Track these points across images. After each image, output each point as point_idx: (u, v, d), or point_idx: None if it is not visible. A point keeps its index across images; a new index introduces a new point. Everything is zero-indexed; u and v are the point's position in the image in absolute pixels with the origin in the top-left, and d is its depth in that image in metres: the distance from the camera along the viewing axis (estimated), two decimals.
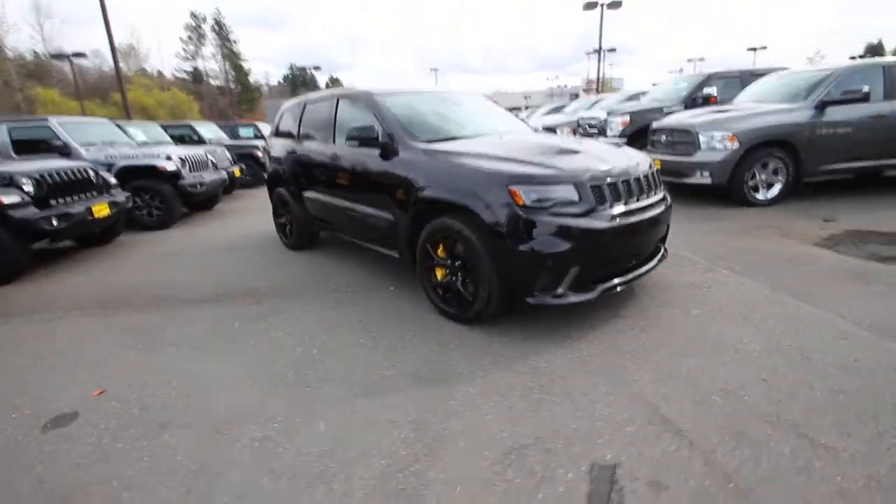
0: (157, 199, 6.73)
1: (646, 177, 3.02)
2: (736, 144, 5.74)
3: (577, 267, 2.64)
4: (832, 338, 2.62)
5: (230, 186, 8.94)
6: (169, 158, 6.76)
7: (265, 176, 5.65)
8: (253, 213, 8.01)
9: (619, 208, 2.75)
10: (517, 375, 2.41)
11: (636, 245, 2.93)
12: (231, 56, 57.52)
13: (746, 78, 8.48)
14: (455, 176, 2.88)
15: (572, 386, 2.29)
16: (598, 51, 21.55)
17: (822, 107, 5.78)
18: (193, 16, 55.29)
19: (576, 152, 2.98)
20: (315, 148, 4.38)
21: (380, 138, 3.39)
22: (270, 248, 5.34)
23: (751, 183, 5.91)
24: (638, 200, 2.89)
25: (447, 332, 2.96)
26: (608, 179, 2.74)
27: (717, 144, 5.84)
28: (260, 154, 11.08)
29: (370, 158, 3.59)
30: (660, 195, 3.15)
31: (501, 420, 2.07)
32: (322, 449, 1.96)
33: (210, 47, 56.81)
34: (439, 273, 3.16)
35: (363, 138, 3.41)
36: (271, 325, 3.23)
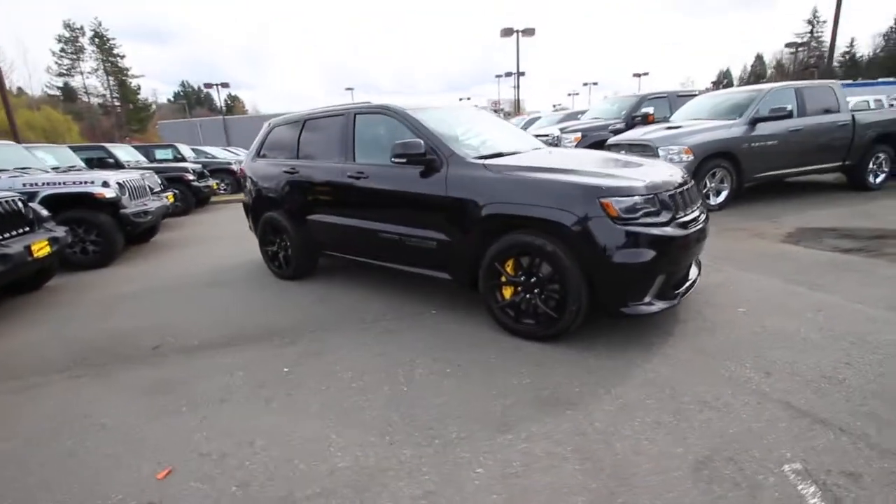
0: (94, 233, 5.72)
1: (689, 188, 3.23)
2: (691, 157, 6.40)
3: (663, 275, 2.72)
4: (866, 320, 2.99)
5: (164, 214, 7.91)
6: (106, 184, 5.81)
7: (247, 202, 5.07)
8: (207, 242, 7.17)
9: (684, 217, 2.89)
10: (639, 389, 2.40)
11: (695, 252, 3.10)
12: (116, 72, 51.64)
13: (673, 99, 9.56)
14: (535, 191, 2.82)
15: (697, 392, 2.33)
16: (517, 74, 22.93)
17: (754, 123, 6.68)
18: (68, 27, 48.87)
19: (639, 165, 3.10)
20: (325, 167, 4.04)
21: (427, 155, 3.23)
22: (260, 281, 4.79)
23: (704, 191, 6.62)
24: (691, 210, 3.07)
25: (531, 351, 2.86)
26: (673, 190, 2.88)
27: (675, 157, 6.45)
28: (191, 177, 9.99)
29: (408, 176, 3.41)
30: (699, 204, 3.38)
31: (664, 436, 2.03)
32: (502, 497, 1.76)
33: (90, 62, 50.57)
34: (507, 291, 3.07)
35: (410, 155, 3.22)
36: (329, 365, 2.88)
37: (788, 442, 1.94)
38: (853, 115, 7.20)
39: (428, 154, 3.23)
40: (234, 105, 68.45)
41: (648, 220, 2.66)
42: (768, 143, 6.74)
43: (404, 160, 3.27)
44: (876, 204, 6.58)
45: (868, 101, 12.17)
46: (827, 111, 7.09)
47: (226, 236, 7.55)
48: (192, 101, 67.38)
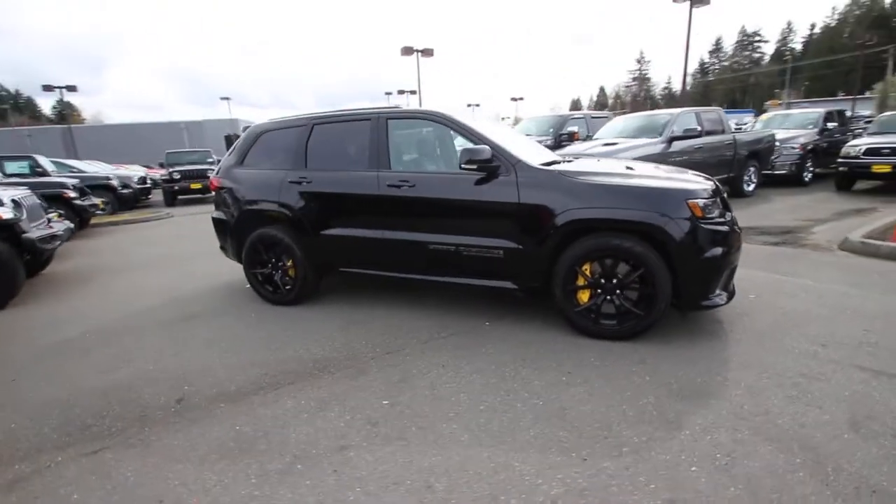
0: None
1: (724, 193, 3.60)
2: None
3: (729, 269, 3.03)
4: (845, 296, 3.68)
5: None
6: (0, 203, 4.47)
7: (223, 217, 4.30)
8: (128, 271, 5.91)
9: (730, 216, 3.26)
10: (744, 371, 2.62)
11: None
12: None
13: (588, 120, 10.71)
14: (624, 195, 2.93)
15: (791, 368, 2.63)
16: (419, 93, 23.35)
17: (670, 141, 7.81)
18: None
19: (683, 172, 3.41)
20: (352, 176, 3.66)
21: (493, 161, 3.15)
22: (248, 308, 4.10)
23: None
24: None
25: (621, 351, 2.93)
26: (720, 194, 3.24)
27: None
28: (72, 195, 8.16)
29: (463, 184, 3.29)
30: None
31: (805, 407, 2.25)
32: (743, 490, 1.78)
33: None
34: (584, 295, 3.12)
35: (478, 161, 3.11)
36: (430, 390, 2.60)
37: (892, 395, 2.31)
38: (734, 136, 8.85)
39: (494, 161, 3.16)
40: (68, 113, 57.53)
41: (718, 218, 2.95)
42: (680, 158, 7.91)
43: (475, 167, 3.14)
44: (760, 207, 8.14)
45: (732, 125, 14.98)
46: (718, 132, 8.61)
47: (150, 263, 6.32)
48: (7, 105, 54.97)
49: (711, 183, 3.18)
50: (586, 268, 3.07)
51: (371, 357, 3.06)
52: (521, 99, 45.02)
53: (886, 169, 8.47)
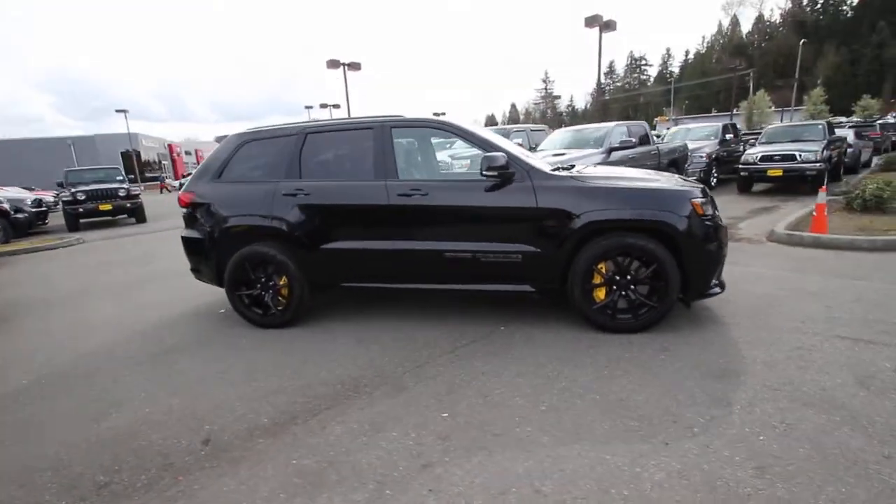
0: None
1: None
2: None
3: (723, 261, 3.37)
4: (814, 281, 4.25)
5: None
6: None
7: (197, 237, 3.87)
8: (62, 305, 5.07)
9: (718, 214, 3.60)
10: (764, 349, 2.92)
11: None
12: None
13: (529, 133, 11.27)
14: (638, 198, 3.14)
15: (806, 339, 2.97)
16: (347, 107, 22.89)
17: (610, 151, 8.48)
18: None
19: (672, 176, 3.73)
20: (357, 186, 3.52)
21: (509, 168, 3.22)
22: (235, 333, 3.73)
23: None
24: None
25: (642, 342, 3.10)
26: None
27: None
28: None
29: (476, 191, 3.33)
30: None
31: (838, 368, 2.58)
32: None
33: None
34: (601, 293, 3.28)
35: (497, 168, 3.16)
36: (484, 398, 2.56)
37: (876, 357, 2.71)
38: (657, 147, 9.84)
39: (510, 167, 3.22)
40: None
41: (713, 215, 3.28)
42: (618, 166, 8.63)
43: (495, 173, 3.18)
44: None
45: None
46: (645, 143, 9.52)
47: (85, 293, 5.50)
48: None
49: (700, 185, 3.53)
50: (601, 266, 3.24)
51: (403, 372, 2.94)
52: (444, 114, 45.89)
53: (778, 173, 9.94)
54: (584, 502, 1.77)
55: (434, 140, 4.03)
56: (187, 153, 50.06)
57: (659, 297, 3.19)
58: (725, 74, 57.32)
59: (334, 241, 3.57)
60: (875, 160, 15.44)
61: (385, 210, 3.43)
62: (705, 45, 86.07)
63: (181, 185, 30.82)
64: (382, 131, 3.53)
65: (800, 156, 9.91)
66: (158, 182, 34.95)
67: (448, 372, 2.90)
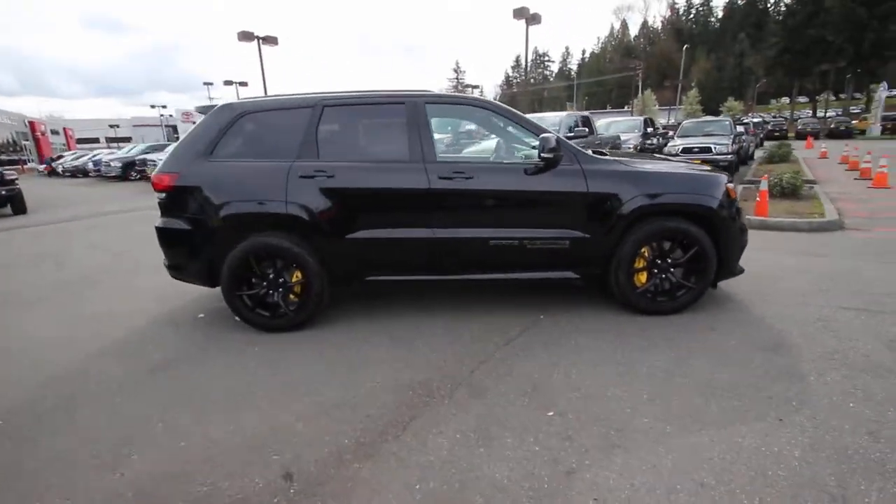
0: None
1: None
2: None
3: None
4: (786, 262, 4.71)
5: None
6: None
7: (185, 228, 3.17)
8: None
9: None
10: (802, 330, 3.15)
11: None
12: None
13: None
14: (685, 182, 3.22)
15: (834, 314, 3.27)
16: (264, 84, 20.80)
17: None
18: None
19: (687, 162, 3.87)
20: (393, 167, 3.15)
21: (559, 150, 3.09)
22: (239, 342, 3.17)
23: None
24: None
25: (683, 322, 3.21)
26: None
27: None
28: None
29: (520, 174, 3.17)
30: None
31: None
32: None
33: None
34: (642, 277, 3.32)
35: (554, 150, 3.01)
36: (573, 388, 2.44)
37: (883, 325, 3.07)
38: (601, 136, 10.39)
39: (560, 149, 3.10)
40: None
41: (737, 199, 3.47)
42: None
43: (551, 155, 3.02)
44: None
45: None
46: (592, 133, 9.99)
47: (6, 302, 4.32)
48: None
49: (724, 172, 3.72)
50: (644, 251, 3.27)
51: (469, 370, 2.71)
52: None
53: (698, 163, 11.07)
54: (750, 488, 1.74)
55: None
56: (54, 132, 42.37)
57: (696, 279, 3.31)
58: (619, 73, 62.85)
59: (363, 229, 3.17)
60: (758, 153, 17.90)
61: (425, 194, 3.11)
62: (600, 45, 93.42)
63: (53, 167, 26.02)
64: (416, 108, 3.18)
65: (714, 148, 11.12)
66: (20, 165, 29.23)
67: (518, 366, 2.73)
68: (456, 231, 3.18)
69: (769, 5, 69.90)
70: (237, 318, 3.42)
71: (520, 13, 17.69)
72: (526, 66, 20.12)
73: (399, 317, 3.50)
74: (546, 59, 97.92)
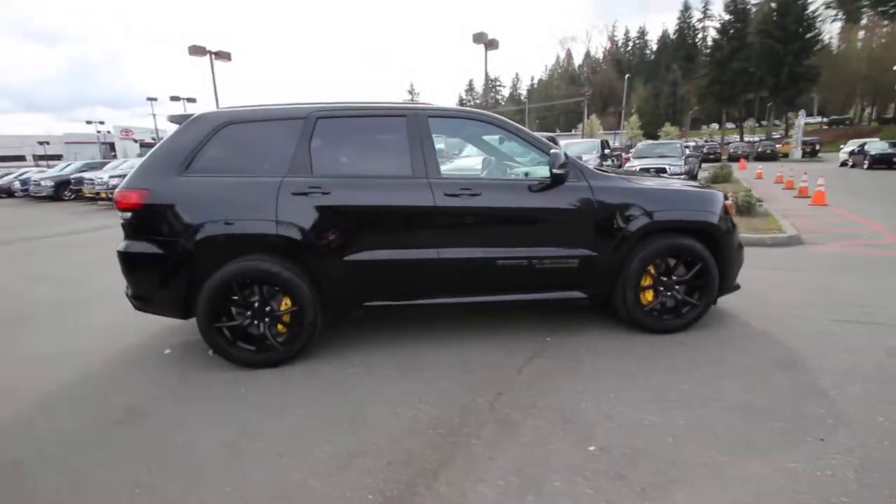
0: None
1: None
2: None
3: None
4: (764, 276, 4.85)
5: None
6: None
7: (157, 252, 2.75)
8: None
9: None
10: (816, 338, 3.17)
11: None
12: None
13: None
14: (690, 199, 3.24)
15: (838, 322, 3.32)
16: (216, 99, 19.81)
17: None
18: None
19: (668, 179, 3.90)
20: (396, 184, 2.94)
21: (567, 167, 2.99)
22: (221, 381, 2.77)
23: None
24: None
25: (692, 342, 3.17)
26: None
27: None
28: None
29: (527, 191, 3.05)
30: None
31: None
32: None
33: None
34: (648, 295, 3.26)
35: (563, 167, 2.90)
36: (610, 418, 2.27)
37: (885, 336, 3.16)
38: None
39: (568, 166, 3.00)
40: None
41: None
42: None
43: (562, 172, 2.90)
44: None
45: None
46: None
47: None
48: None
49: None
50: (650, 268, 3.21)
51: (487, 403, 2.48)
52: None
53: None
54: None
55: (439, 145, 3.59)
56: None
57: (700, 296, 3.29)
58: (568, 99, 65.93)
59: (363, 250, 2.90)
60: (701, 174, 19.08)
61: (431, 212, 2.90)
62: (547, 72, 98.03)
63: None
64: (418, 120, 2.99)
65: (669, 168, 11.69)
66: None
67: (541, 396, 2.53)
68: (462, 251, 2.98)
69: (696, 41, 76.35)
70: (212, 353, 3.04)
71: (479, 38, 18.12)
72: (486, 87, 20.55)
73: (399, 344, 3.22)
74: (497, 83, 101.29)
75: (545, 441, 2.14)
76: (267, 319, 2.90)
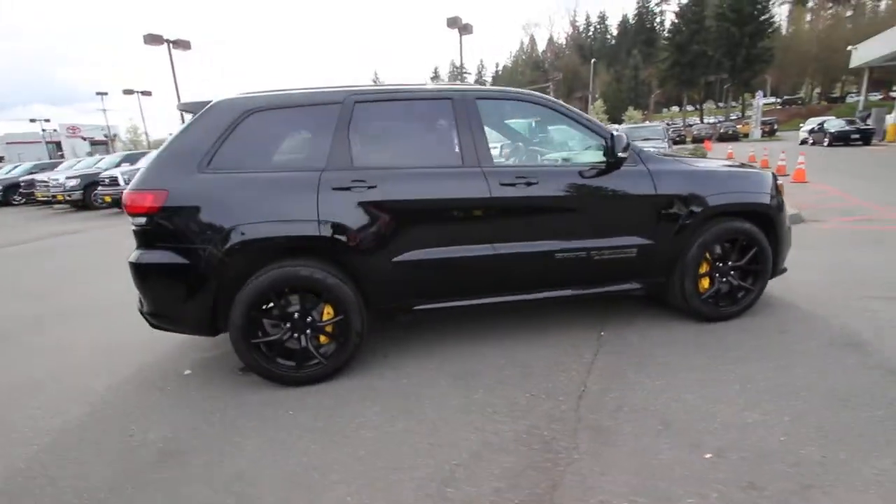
0: None
1: None
2: None
3: None
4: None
5: None
6: None
7: (178, 262, 2.39)
8: None
9: None
10: (863, 317, 3.10)
11: None
12: None
13: None
14: (747, 181, 3.10)
15: (874, 299, 3.28)
16: (176, 90, 18.53)
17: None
18: None
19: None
20: (445, 176, 2.67)
21: (628, 150, 2.80)
22: (265, 402, 2.47)
23: None
24: None
25: (757, 330, 3.07)
26: None
27: None
28: None
29: (581, 177, 2.85)
30: None
31: None
32: None
33: None
34: (705, 282, 3.13)
35: (626, 150, 2.71)
36: (713, 416, 2.12)
37: None
38: None
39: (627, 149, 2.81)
40: None
41: None
42: None
43: (626, 156, 2.70)
44: None
45: None
46: None
47: None
48: None
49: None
50: (708, 255, 3.09)
51: (573, 409, 2.28)
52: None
53: None
54: None
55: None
56: None
57: (754, 280, 3.19)
58: (532, 85, 66.08)
59: (413, 249, 2.63)
60: None
61: (487, 204, 2.66)
62: (512, 59, 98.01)
63: None
64: (465, 104, 2.71)
65: (656, 150, 11.74)
66: None
67: (623, 397, 2.36)
68: (520, 245, 2.76)
69: (655, 25, 77.94)
70: (241, 371, 2.72)
71: (453, 22, 17.72)
72: (461, 73, 20.17)
73: (445, 349, 2.98)
74: (463, 70, 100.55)
75: (653, 450, 1.96)
76: (308, 331, 2.60)
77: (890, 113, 22.02)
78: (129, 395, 2.71)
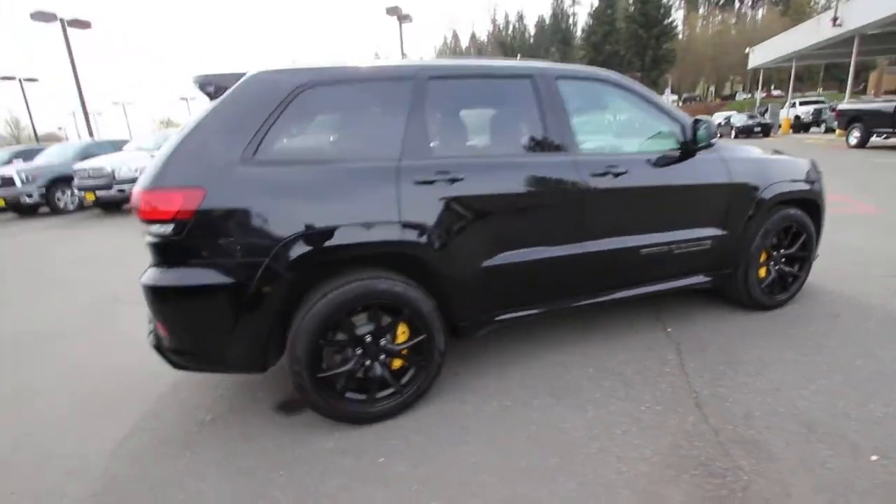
0: None
1: None
2: None
3: None
4: None
5: None
6: None
7: (223, 282, 1.81)
8: None
9: None
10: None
11: None
12: None
13: None
14: (801, 170, 3.08)
15: None
16: (74, 75, 15.73)
17: None
18: None
19: None
20: (535, 165, 2.32)
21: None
22: (350, 450, 1.98)
23: None
24: None
25: (810, 316, 3.09)
26: None
27: None
28: None
29: (671, 165, 2.67)
30: None
31: None
32: None
33: None
34: (763, 271, 3.10)
35: (713, 136, 2.55)
36: (839, 401, 2.02)
37: None
38: None
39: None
40: None
41: None
42: None
43: (713, 143, 2.53)
44: None
45: None
46: None
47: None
48: None
49: None
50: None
51: (701, 421, 2.08)
52: (195, 99, 38.07)
53: None
54: None
55: None
56: None
57: (800, 266, 3.22)
58: None
59: (504, 251, 2.26)
60: None
61: (580, 197, 2.36)
62: (436, 54, 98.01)
63: None
64: (546, 83, 2.38)
65: None
66: None
67: (744, 401, 2.20)
68: (609, 242, 2.50)
69: (570, 25, 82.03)
70: (280, 410, 2.21)
71: (393, 11, 17.07)
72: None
73: (513, 361, 2.66)
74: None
75: (816, 459, 1.81)
76: (383, 356, 2.14)
77: (782, 108, 25.01)
78: (141, 453, 2.06)
